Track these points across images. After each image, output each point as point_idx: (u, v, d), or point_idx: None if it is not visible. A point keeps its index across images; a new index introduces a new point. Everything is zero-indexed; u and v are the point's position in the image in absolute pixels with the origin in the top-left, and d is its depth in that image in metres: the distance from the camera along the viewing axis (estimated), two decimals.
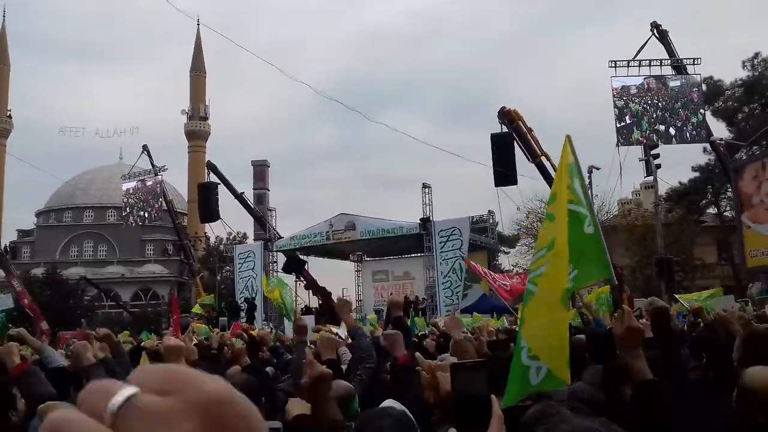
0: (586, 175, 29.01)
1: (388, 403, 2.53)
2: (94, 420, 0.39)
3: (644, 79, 28.34)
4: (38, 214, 75.71)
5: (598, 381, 3.61)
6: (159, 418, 0.40)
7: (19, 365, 4.08)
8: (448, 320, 7.66)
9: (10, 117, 76.57)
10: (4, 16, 78.92)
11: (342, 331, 7.11)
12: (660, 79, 28.34)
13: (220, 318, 27.23)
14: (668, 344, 3.23)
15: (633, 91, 28.33)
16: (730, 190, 32.12)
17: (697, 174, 38.83)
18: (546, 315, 2.80)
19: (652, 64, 28.61)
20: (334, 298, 35.95)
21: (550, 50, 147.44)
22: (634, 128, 27.89)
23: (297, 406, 2.82)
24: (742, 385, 2.56)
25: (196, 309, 31.11)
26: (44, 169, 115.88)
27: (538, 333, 2.80)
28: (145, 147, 39.49)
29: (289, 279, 35.87)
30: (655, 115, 27.95)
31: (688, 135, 28.40)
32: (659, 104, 28.09)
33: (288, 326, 15.09)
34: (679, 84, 28.35)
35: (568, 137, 3.29)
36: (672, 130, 27.99)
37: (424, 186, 32.29)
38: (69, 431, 0.39)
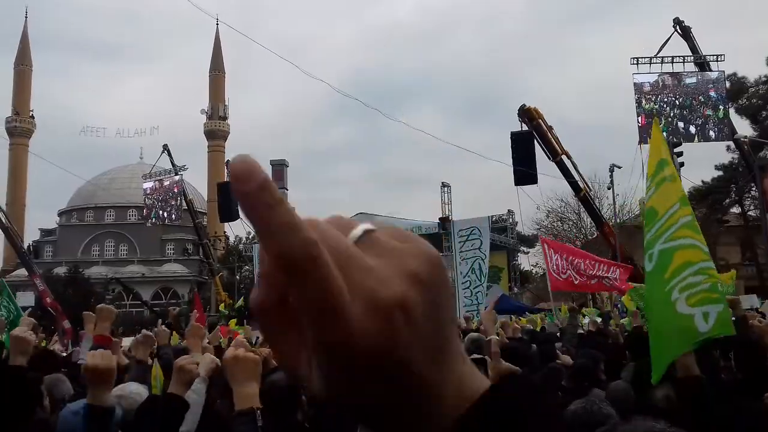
0: (606, 175, 28.81)
1: None
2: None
3: (659, 76, 27.97)
4: (60, 214, 76.69)
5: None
6: (394, 251, 0.42)
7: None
8: (484, 315, 7.61)
9: (32, 117, 77.71)
10: (26, 17, 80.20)
11: None
12: (676, 76, 27.96)
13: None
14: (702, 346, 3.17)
15: (647, 88, 27.95)
16: (754, 188, 31.63)
17: (720, 172, 38.31)
18: (697, 259, 2.80)
19: (674, 61, 28.28)
20: None
21: (570, 46, 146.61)
22: (662, 123, 27.59)
23: None
24: None
25: (222, 307, 31.33)
26: (66, 169, 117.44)
27: (694, 279, 2.74)
28: (165, 147, 39.81)
29: None
30: (672, 113, 27.59)
31: (711, 133, 28.01)
32: (676, 102, 27.73)
33: None
34: (695, 81, 27.94)
35: (655, 119, 3.39)
36: (692, 129, 27.62)
37: (443, 185, 32.17)
38: (323, 232, 0.40)
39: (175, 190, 40.48)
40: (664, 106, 27.67)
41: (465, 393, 0.43)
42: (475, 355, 5.84)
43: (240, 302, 32.58)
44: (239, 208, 0.38)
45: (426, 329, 0.40)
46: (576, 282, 12.55)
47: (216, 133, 78.87)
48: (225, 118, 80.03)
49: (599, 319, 11.62)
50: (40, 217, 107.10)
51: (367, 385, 0.39)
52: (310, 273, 0.37)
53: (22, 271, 43.00)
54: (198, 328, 3.75)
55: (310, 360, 0.41)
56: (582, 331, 9.05)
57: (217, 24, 74.36)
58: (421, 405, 0.41)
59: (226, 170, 37.21)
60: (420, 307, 0.40)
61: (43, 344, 10.28)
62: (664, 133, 27.37)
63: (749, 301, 16.36)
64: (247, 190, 0.37)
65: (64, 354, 8.66)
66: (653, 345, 2.74)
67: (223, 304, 31.92)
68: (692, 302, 2.67)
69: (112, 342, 4.07)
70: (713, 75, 28.14)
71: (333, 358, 0.39)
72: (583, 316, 13.33)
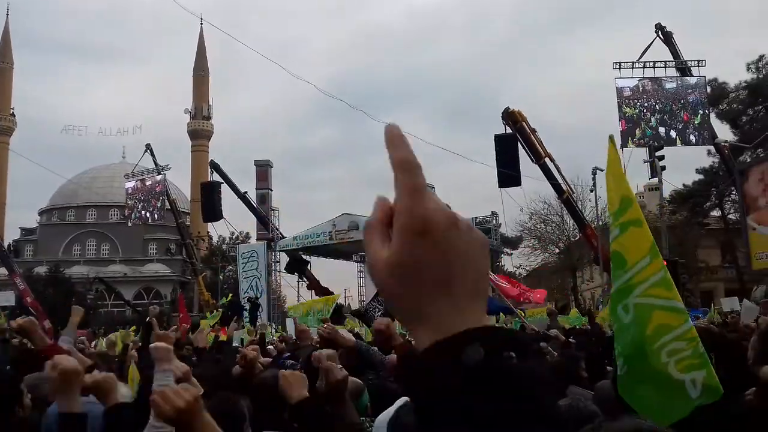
0: (589, 177, 29.04)
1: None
2: None
3: (639, 81, 28.20)
4: (41, 213, 75.83)
5: None
6: (462, 231, 0.59)
7: (53, 346, 3.85)
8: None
9: (13, 115, 76.69)
10: (7, 14, 79.24)
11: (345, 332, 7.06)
12: (656, 81, 28.21)
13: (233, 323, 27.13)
14: None
15: (627, 93, 28.15)
16: (734, 192, 32.04)
17: (701, 176, 38.76)
18: (677, 323, 2.69)
19: (656, 65, 28.55)
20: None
21: (553, 51, 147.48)
22: (637, 130, 27.82)
23: None
24: (761, 382, 2.52)
25: (209, 315, 31.13)
26: (47, 168, 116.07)
27: (677, 345, 2.67)
28: (148, 146, 39.50)
29: (292, 279, 35.88)
30: (653, 119, 27.82)
31: (692, 137, 28.30)
32: (656, 106, 27.98)
33: (290, 326, 15.05)
34: (674, 86, 28.21)
35: (611, 137, 3.13)
36: (673, 133, 27.88)
37: (428, 187, 32.23)
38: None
39: (158, 190, 40.17)
40: (645, 111, 27.88)
41: (474, 322, 0.56)
42: None
43: (225, 300, 32.42)
44: (391, 164, 0.61)
45: (466, 257, 0.58)
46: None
47: (199, 133, 78.39)
48: (209, 117, 79.58)
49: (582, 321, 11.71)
50: (20, 217, 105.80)
51: (427, 256, 0.57)
52: (412, 173, 0.62)
53: (2, 270, 42.40)
54: (167, 337, 3.71)
55: (390, 240, 0.60)
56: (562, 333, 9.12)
57: (202, 24, 73.73)
58: (449, 303, 0.57)
59: (209, 170, 36.91)
60: (465, 235, 0.59)
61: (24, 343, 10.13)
62: (647, 137, 27.68)
63: (730, 303, 16.55)
64: (400, 155, 0.62)
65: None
66: (646, 400, 2.70)
67: (209, 313, 31.72)
68: (680, 368, 2.64)
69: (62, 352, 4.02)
70: (692, 80, 28.39)
71: (410, 226, 0.58)
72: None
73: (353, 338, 4.54)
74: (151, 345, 2.79)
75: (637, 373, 2.73)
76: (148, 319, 8.26)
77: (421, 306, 0.56)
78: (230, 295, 33.60)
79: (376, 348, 4.47)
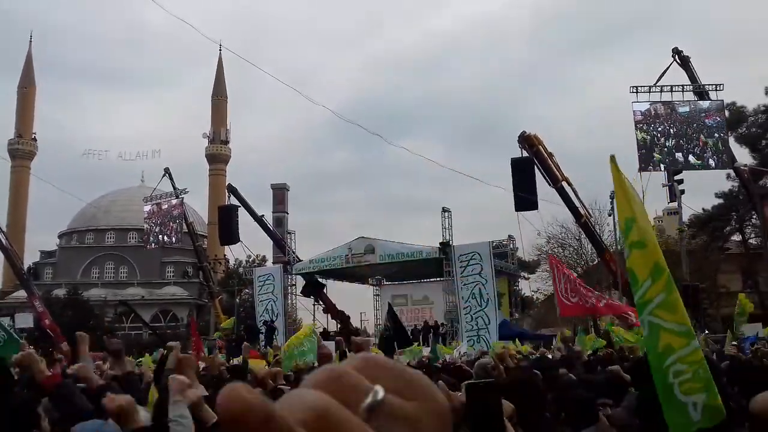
0: (607, 201, 28.85)
1: None
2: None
3: (650, 104, 28.03)
4: (61, 236, 76.67)
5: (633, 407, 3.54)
6: (407, 421, 0.43)
7: (52, 376, 3.95)
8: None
9: (35, 139, 78.12)
10: (30, 40, 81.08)
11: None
12: (668, 105, 28.05)
13: (245, 343, 27.16)
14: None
15: (638, 117, 27.99)
16: (755, 216, 31.66)
17: (720, 200, 38.40)
18: (678, 346, 2.74)
19: (674, 89, 28.47)
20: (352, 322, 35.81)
21: (571, 75, 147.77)
22: (655, 154, 27.63)
23: None
24: (750, 412, 2.47)
25: (217, 335, 31.21)
26: (67, 191, 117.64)
27: (679, 367, 2.72)
28: (166, 170, 39.93)
29: (308, 302, 35.84)
30: (667, 143, 27.56)
31: (711, 161, 28.07)
32: (671, 131, 27.76)
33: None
34: (688, 110, 28.02)
35: (612, 158, 3.20)
36: (692, 158, 27.64)
37: (444, 210, 32.21)
38: (337, 420, 0.39)
39: (176, 213, 40.51)
40: (658, 135, 27.66)
41: None
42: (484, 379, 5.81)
43: (229, 322, 32.45)
44: None
45: None
46: (587, 304, 12.16)
47: (217, 157, 79.24)
48: (227, 142, 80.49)
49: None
50: (40, 239, 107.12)
51: None
52: None
53: (22, 293, 42.82)
54: (189, 359, 3.71)
55: None
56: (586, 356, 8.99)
57: (221, 50, 75.08)
58: None
59: (226, 194, 37.23)
60: None
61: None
62: (660, 165, 27.43)
63: (753, 329, 16.26)
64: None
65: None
66: (669, 410, 2.76)
67: (229, 321, 31.98)
68: (683, 390, 2.69)
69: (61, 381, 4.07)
70: (705, 104, 28.17)
71: None
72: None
73: None
74: (171, 376, 2.79)
75: (658, 387, 2.80)
76: (164, 353, 8.25)
77: None
78: (233, 319, 33.66)
79: None
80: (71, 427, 2.80)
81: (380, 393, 0.42)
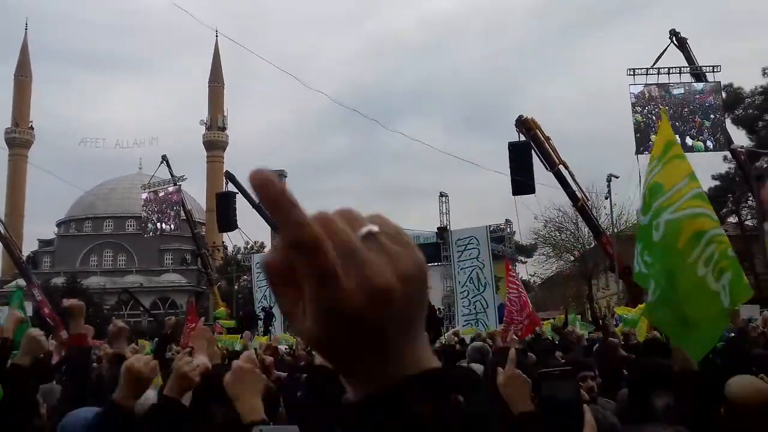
0: (604, 185, 28.85)
1: None
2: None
3: (644, 86, 27.90)
4: (59, 224, 76.69)
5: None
6: (392, 253, 0.54)
7: (77, 336, 3.76)
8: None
9: (32, 128, 77.85)
10: (26, 28, 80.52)
11: None
12: (662, 87, 27.94)
13: (246, 332, 27.32)
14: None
15: (633, 100, 27.88)
16: (751, 198, 31.72)
17: (717, 182, 38.41)
18: (709, 226, 2.81)
19: (671, 71, 28.40)
20: None
21: (566, 58, 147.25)
22: (651, 136, 27.60)
23: None
24: (726, 396, 2.45)
25: (219, 313, 31.32)
26: (65, 179, 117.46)
27: (712, 248, 2.74)
28: (164, 157, 39.86)
29: None
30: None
31: (709, 143, 28.04)
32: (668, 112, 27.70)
33: None
34: (682, 91, 27.92)
35: (663, 110, 3.41)
36: (689, 140, 27.58)
37: (441, 195, 32.23)
38: (336, 223, 0.53)
39: (174, 200, 40.48)
40: (653, 117, 27.61)
41: (412, 368, 0.54)
42: (478, 364, 5.88)
43: (221, 311, 32.59)
44: (262, 203, 0.50)
45: (400, 313, 0.53)
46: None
47: (215, 144, 79.05)
48: (224, 128, 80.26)
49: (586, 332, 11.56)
50: (38, 228, 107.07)
51: (346, 334, 0.52)
52: (313, 257, 0.50)
53: (21, 282, 42.88)
54: (204, 330, 3.68)
55: (305, 310, 0.53)
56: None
57: (217, 36, 74.75)
58: (380, 359, 0.54)
59: (224, 180, 37.20)
60: (401, 297, 0.52)
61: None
62: None
63: (750, 311, 16.31)
64: (271, 196, 0.51)
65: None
66: (686, 328, 2.68)
67: (221, 309, 31.94)
68: (716, 275, 2.68)
69: (87, 341, 3.98)
70: (699, 86, 28.08)
71: (324, 311, 0.51)
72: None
73: None
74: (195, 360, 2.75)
75: (668, 297, 2.78)
76: (164, 331, 8.33)
77: (353, 365, 0.55)
78: (225, 309, 33.74)
79: None
80: (68, 411, 2.83)
81: (375, 228, 0.54)
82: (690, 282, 2.70)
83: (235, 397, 2.15)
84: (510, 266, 13.88)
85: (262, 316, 31.60)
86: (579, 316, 18.75)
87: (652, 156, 3.16)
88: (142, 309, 47.05)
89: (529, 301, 11.49)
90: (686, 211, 2.81)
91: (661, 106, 27.22)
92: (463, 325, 24.90)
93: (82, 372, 3.82)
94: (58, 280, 56.38)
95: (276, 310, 32.93)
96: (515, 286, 11.21)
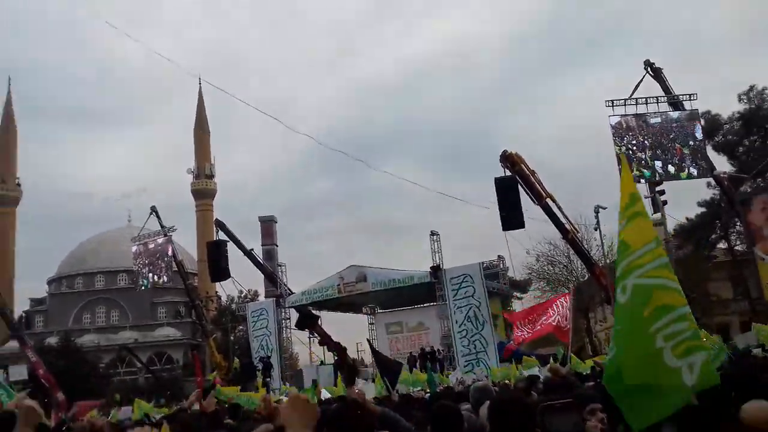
0: (593, 217, 29.12)
1: None
2: None
3: (621, 118, 28.23)
4: (50, 282, 76.02)
5: None
6: None
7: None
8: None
9: (18, 185, 77.67)
10: (9, 83, 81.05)
11: (360, 383, 7.07)
12: (640, 117, 28.35)
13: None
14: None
15: (609, 132, 28.13)
16: (739, 223, 32.08)
17: (703, 209, 38.86)
18: (679, 303, 2.70)
19: (648, 101, 28.94)
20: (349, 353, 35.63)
21: (546, 93, 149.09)
22: (633, 167, 27.87)
23: None
24: (740, 420, 2.49)
25: (211, 377, 30.94)
26: (54, 236, 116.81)
27: (678, 326, 2.63)
28: (153, 208, 39.77)
29: (303, 335, 35.72)
30: (643, 156, 27.70)
31: (693, 170, 28.38)
32: (645, 143, 27.95)
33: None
34: (659, 120, 28.32)
35: (623, 156, 3.33)
36: (671, 168, 27.84)
37: (432, 233, 32.40)
38: None
39: (165, 252, 40.29)
40: (633, 149, 27.81)
41: None
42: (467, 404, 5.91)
43: (211, 376, 32.15)
44: None
45: None
46: (534, 329, 12.63)
47: (203, 193, 79.28)
48: (212, 176, 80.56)
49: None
50: (30, 287, 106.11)
51: None
52: None
53: (15, 344, 42.34)
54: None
55: None
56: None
57: (200, 83, 75.55)
58: None
59: (215, 229, 37.20)
60: None
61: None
62: (641, 179, 27.67)
63: (745, 339, 16.33)
64: None
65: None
66: (631, 396, 2.60)
67: (212, 374, 31.45)
68: (678, 353, 2.57)
69: None
70: (675, 115, 28.53)
71: None
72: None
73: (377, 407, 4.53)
74: None
75: (626, 358, 2.68)
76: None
77: None
78: (222, 358, 33.35)
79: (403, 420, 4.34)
80: None
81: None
82: (645, 351, 2.63)
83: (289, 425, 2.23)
84: (568, 296, 13.98)
85: (260, 367, 31.29)
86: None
87: (620, 207, 3.07)
88: (140, 366, 46.44)
89: (553, 327, 11.78)
90: (656, 280, 2.73)
91: (629, 145, 27.59)
92: (464, 366, 24.80)
93: None
94: (52, 340, 55.66)
95: (273, 360, 32.69)
96: (558, 309, 11.40)
